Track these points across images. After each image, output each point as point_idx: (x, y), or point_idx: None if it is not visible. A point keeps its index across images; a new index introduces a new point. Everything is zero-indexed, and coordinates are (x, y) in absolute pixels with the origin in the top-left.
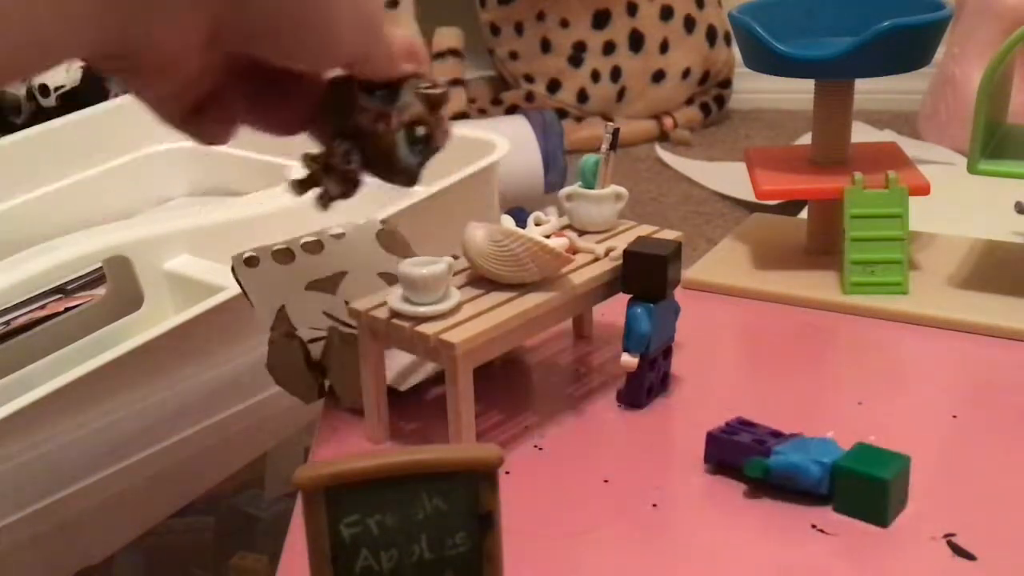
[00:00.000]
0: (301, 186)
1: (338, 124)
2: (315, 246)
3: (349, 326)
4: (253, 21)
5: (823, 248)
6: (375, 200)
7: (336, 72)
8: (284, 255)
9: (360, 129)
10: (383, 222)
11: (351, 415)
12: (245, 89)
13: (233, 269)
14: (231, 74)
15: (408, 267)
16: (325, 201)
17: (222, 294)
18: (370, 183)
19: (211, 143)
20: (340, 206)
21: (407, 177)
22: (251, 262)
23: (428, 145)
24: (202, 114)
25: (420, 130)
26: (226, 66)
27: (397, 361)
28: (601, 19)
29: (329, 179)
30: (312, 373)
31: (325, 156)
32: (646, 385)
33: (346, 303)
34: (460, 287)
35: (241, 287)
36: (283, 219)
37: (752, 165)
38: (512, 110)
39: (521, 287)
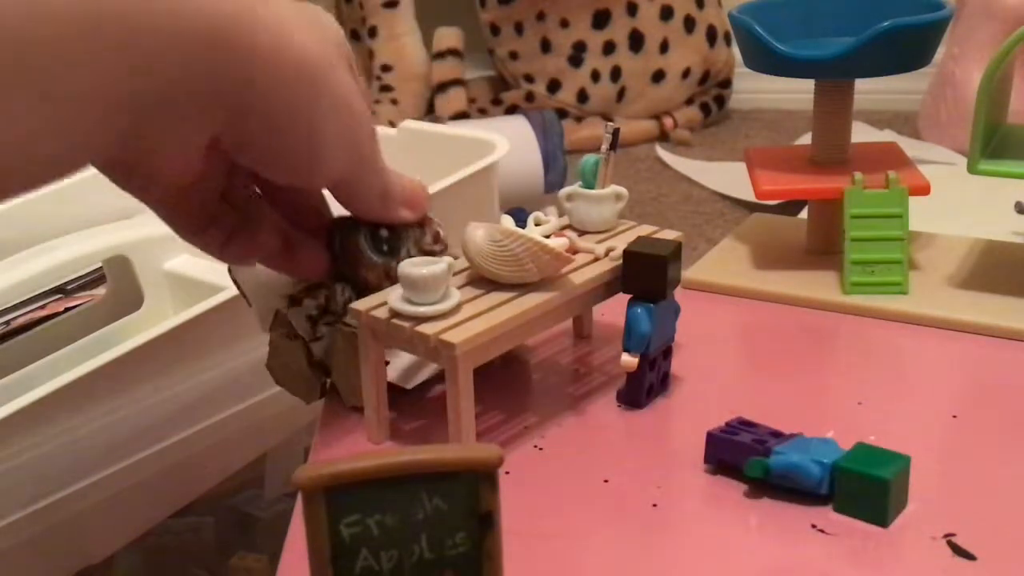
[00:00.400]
0: (291, 301)
1: (341, 270)
2: None
3: (351, 325)
4: (247, 133)
5: (823, 248)
6: None
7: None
8: None
9: (367, 284)
10: None
11: (351, 415)
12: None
13: (230, 270)
14: (260, 214)
15: (408, 267)
16: (311, 325)
17: (222, 294)
18: None
19: (230, 262)
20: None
21: None
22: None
23: None
24: (230, 238)
25: None
26: (247, 199)
27: (403, 358)
28: (601, 19)
29: (317, 305)
30: (315, 373)
31: (326, 298)
32: (646, 385)
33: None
34: (460, 287)
35: (239, 287)
36: None
37: (752, 165)
38: (512, 110)
39: (521, 287)
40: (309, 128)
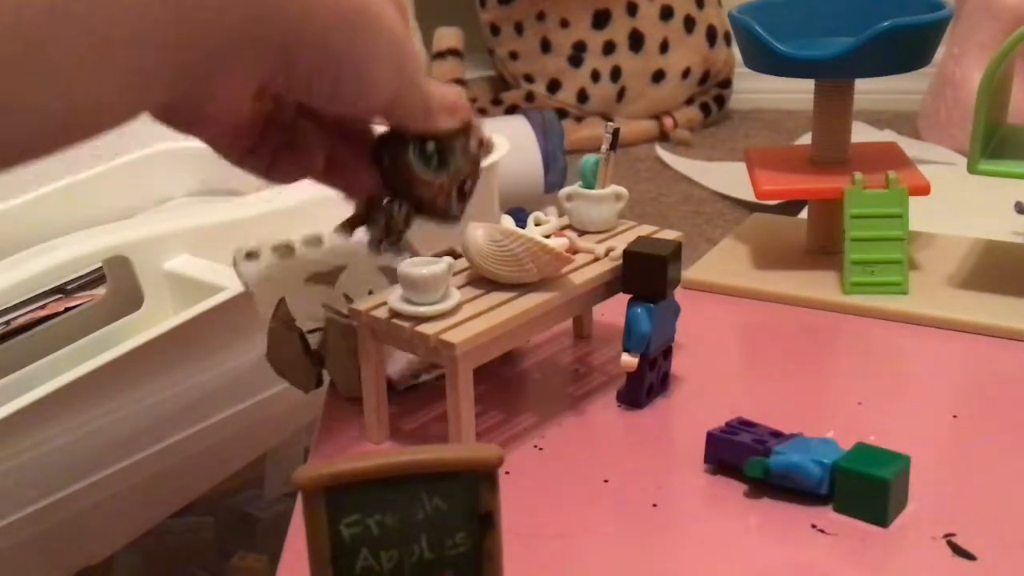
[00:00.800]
0: (351, 225)
1: (390, 183)
2: (315, 240)
3: (347, 317)
4: (300, 71)
5: (823, 248)
6: None
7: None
8: (284, 249)
9: (421, 201)
10: None
11: (351, 414)
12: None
13: (235, 262)
14: (308, 131)
15: (408, 267)
16: (376, 247)
17: (222, 294)
18: None
19: (275, 182)
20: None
21: (454, 221)
22: (252, 256)
23: (471, 194)
24: (275, 159)
25: (468, 185)
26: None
27: (404, 356)
28: (601, 19)
29: (378, 227)
30: (311, 362)
31: (387, 214)
32: (646, 385)
33: (345, 296)
34: (460, 287)
35: (242, 280)
36: (283, 219)
37: (752, 165)
38: (512, 110)
39: (521, 287)
40: (358, 63)
